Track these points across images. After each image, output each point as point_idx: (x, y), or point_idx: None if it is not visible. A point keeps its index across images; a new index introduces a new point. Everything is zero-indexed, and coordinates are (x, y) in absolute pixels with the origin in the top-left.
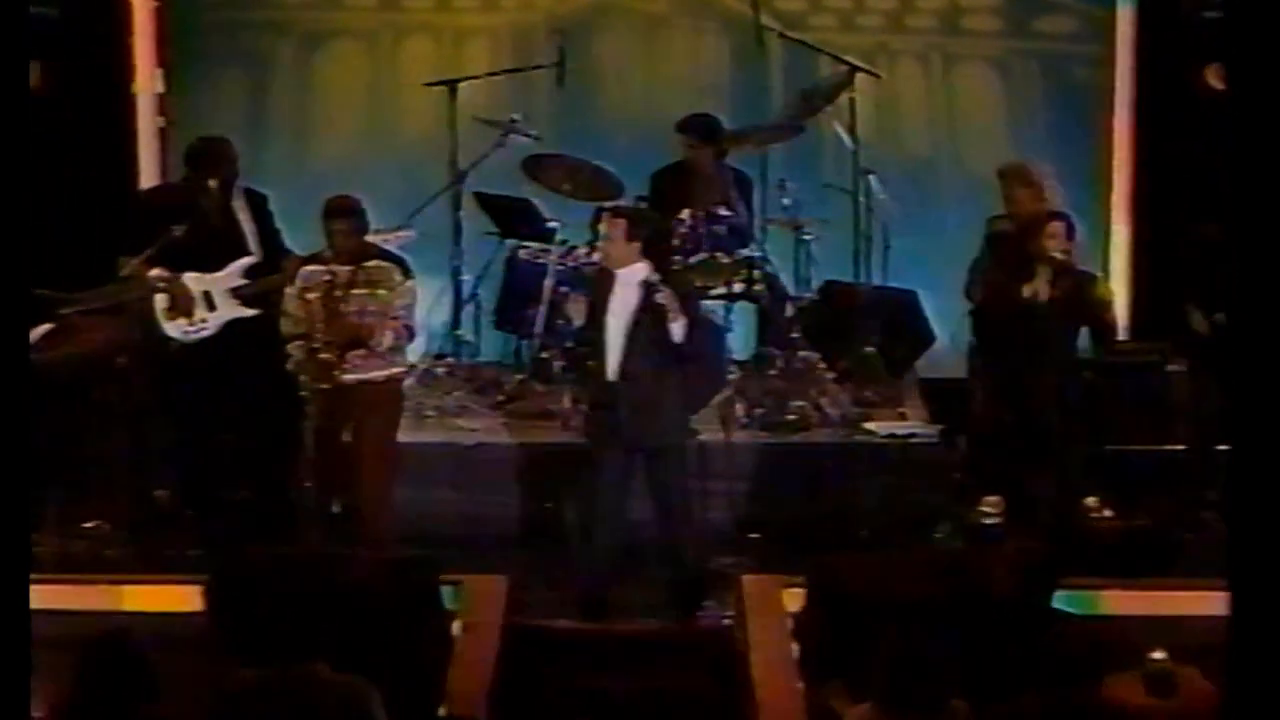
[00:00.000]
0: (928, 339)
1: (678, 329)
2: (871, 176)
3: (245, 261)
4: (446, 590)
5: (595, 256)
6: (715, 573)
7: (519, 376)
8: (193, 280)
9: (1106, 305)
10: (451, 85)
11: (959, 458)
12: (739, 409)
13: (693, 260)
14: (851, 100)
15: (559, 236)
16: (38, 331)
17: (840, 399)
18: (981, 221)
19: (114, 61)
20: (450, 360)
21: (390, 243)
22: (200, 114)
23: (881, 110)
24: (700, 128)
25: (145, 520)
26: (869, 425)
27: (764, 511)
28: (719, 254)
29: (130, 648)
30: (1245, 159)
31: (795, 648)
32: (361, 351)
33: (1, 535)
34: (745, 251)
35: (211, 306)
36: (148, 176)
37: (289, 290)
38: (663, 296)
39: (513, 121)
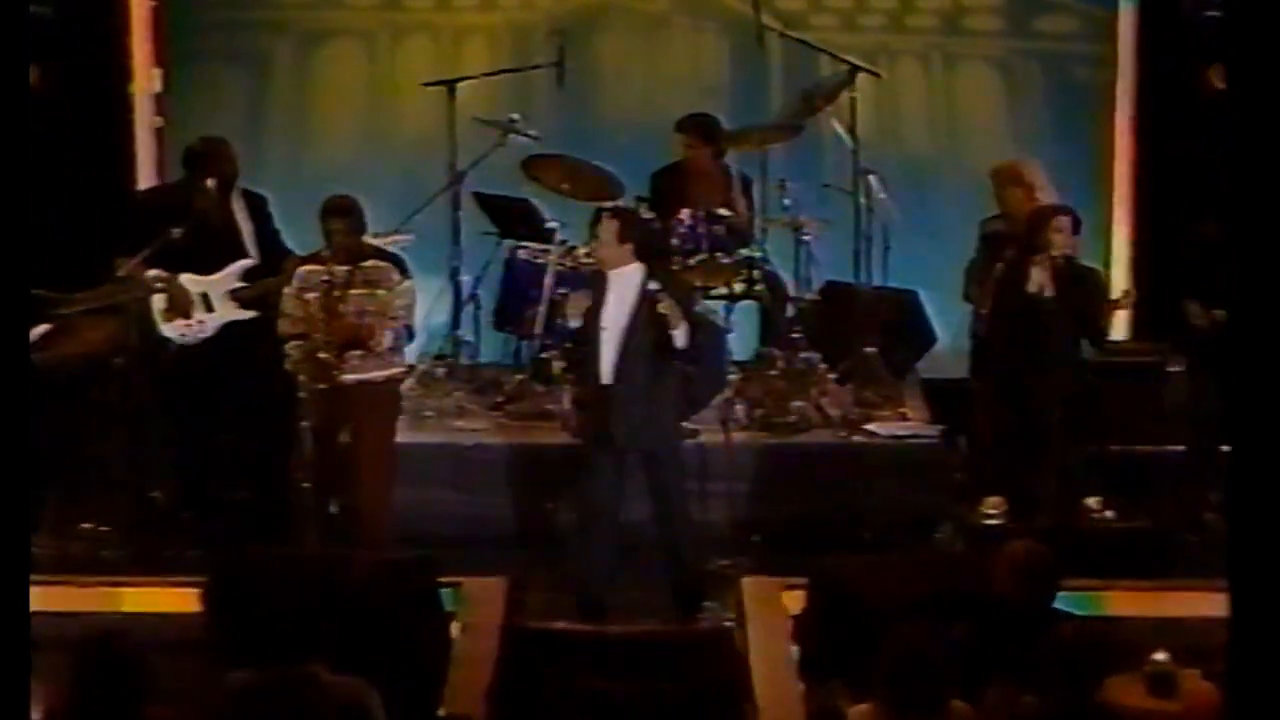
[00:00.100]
0: (929, 339)
1: (680, 336)
2: (872, 176)
3: (244, 263)
4: (445, 591)
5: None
6: (715, 574)
7: (518, 377)
8: (190, 281)
9: (1108, 300)
10: (450, 85)
11: (960, 458)
12: (739, 410)
13: (693, 260)
14: (852, 100)
15: (558, 236)
16: (35, 332)
17: (841, 399)
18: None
19: (111, 61)
20: (449, 361)
21: (390, 245)
22: (198, 114)
23: (882, 110)
24: (700, 128)
25: (143, 521)
26: (870, 426)
27: (764, 512)
28: (719, 254)
29: (123, 648)
30: (1245, 159)
31: (795, 649)
32: (360, 352)
33: (1, 536)
34: (745, 251)
35: (209, 308)
36: (145, 176)
37: (286, 290)
38: (665, 307)
39: (512, 121)
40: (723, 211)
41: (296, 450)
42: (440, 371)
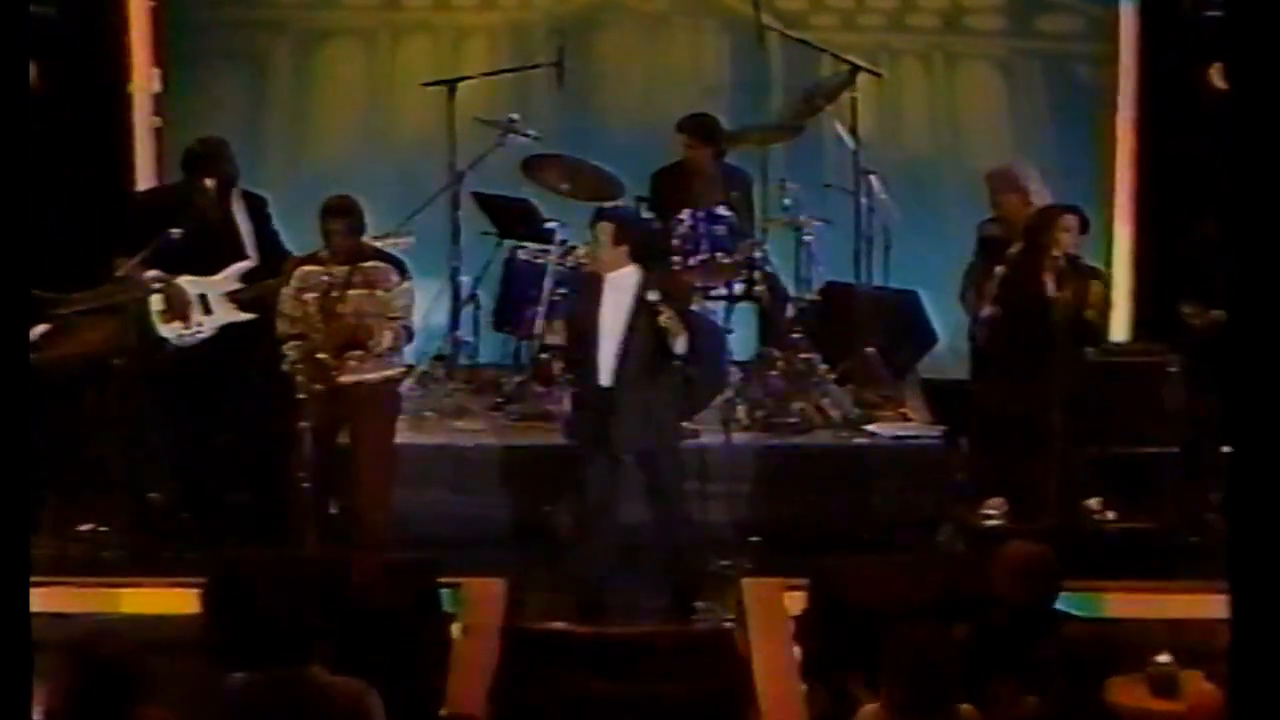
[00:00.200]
0: (929, 340)
1: (680, 344)
2: (873, 176)
3: (242, 265)
4: (445, 593)
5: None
6: (716, 575)
7: (518, 378)
8: (189, 283)
9: (1106, 303)
10: (450, 85)
11: (961, 459)
12: (740, 410)
13: (693, 260)
14: (853, 100)
15: (558, 237)
16: (34, 332)
17: (842, 400)
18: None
19: (110, 61)
20: (449, 361)
21: (391, 247)
22: (197, 114)
23: (883, 110)
24: (700, 128)
25: (142, 522)
26: (871, 427)
27: (765, 514)
28: (719, 254)
29: (113, 650)
30: (1246, 158)
31: (797, 650)
32: (358, 352)
33: (1, 536)
34: (745, 252)
35: (207, 310)
36: (144, 177)
37: (284, 290)
38: (665, 319)
39: (511, 121)
40: (723, 211)
41: (296, 451)
42: (440, 372)
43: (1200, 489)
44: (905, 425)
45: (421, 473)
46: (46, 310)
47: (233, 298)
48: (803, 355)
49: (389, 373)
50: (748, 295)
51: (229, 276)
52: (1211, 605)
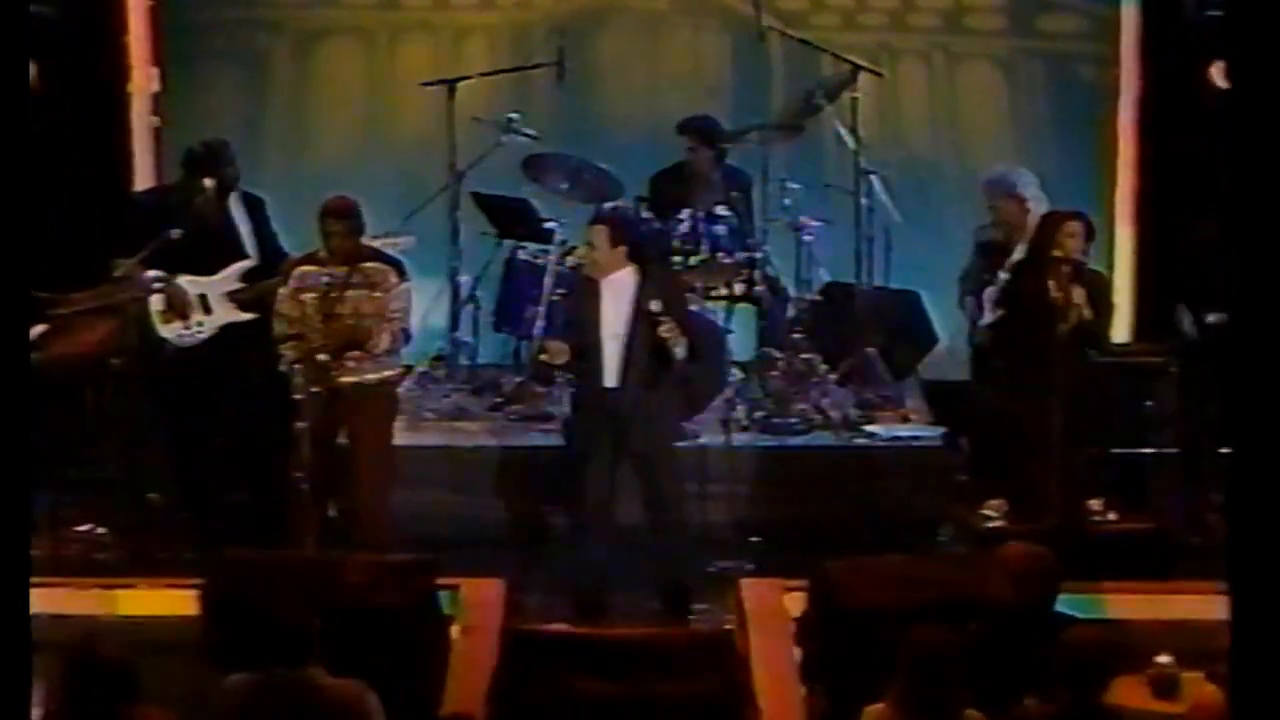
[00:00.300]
0: (930, 340)
1: (680, 351)
2: (873, 177)
3: (242, 265)
4: (444, 594)
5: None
6: (716, 576)
7: (517, 378)
8: (188, 283)
9: (1109, 308)
10: (450, 85)
11: (962, 460)
12: (740, 411)
13: (692, 261)
14: (854, 100)
15: (558, 237)
16: (33, 332)
17: (842, 401)
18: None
19: (109, 61)
20: (448, 362)
21: (391, 248)
22: (196, 113)
23: (884, 110)
24: (700, 129)
25: (140, 523)
26: (871, 427)
27: (765, 514)
28: (719, 254)
29: (107, 652)
30: (1246, 158)
31: (797, 652)
32: (357, 353)
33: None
34: (745, 252)
35: (207, 310)
36: (143, 176)
37: (282, 291)
38: (665, 330)
39: (511, 121)
40: (723, 212)
41: (294, 452)
42: (439, 373)
43: (1200, 489)
44: (905, 426)
45: (420, 474)
46: (46, 310)
47: (233, 297)
48: (803, 356)
49: (387, 373)
50: (748, 295)
51: (229, 276)
52: (1212, 606)
